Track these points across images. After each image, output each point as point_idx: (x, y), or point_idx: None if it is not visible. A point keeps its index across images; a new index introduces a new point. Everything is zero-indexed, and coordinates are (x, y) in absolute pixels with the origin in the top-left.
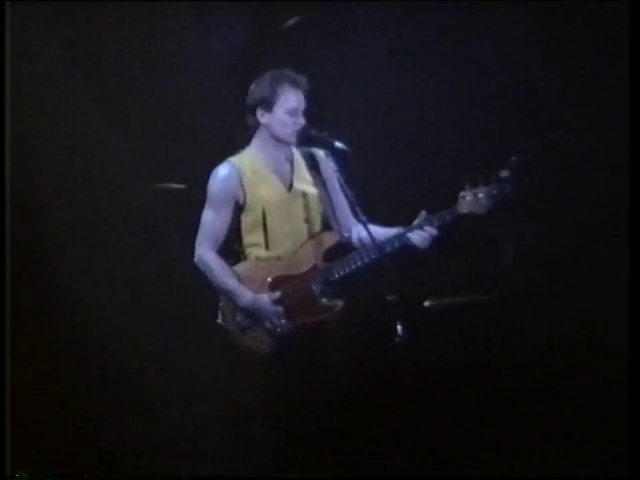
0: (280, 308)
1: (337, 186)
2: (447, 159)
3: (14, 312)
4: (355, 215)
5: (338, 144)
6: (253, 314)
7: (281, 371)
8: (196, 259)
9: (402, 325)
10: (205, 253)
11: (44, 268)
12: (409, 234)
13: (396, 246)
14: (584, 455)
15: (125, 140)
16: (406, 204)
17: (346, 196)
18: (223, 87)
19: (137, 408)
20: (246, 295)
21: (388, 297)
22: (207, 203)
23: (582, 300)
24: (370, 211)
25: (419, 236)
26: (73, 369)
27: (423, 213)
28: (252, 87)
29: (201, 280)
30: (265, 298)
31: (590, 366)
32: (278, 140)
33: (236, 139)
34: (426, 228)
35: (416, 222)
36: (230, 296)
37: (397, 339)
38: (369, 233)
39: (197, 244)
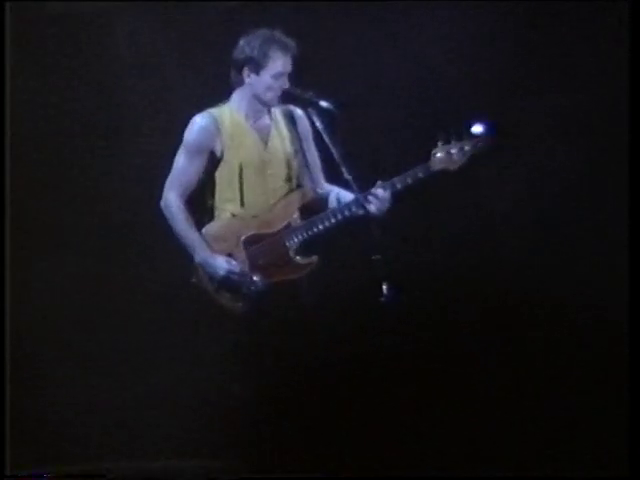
0: (236, 268)
1: (312, 145)
2: (427, 119)
3: (14, 309)
4: (338, 174)
5: (323, 103)
6: (208, 272)
7: (255, 331)
8: (162, 203)
9: (387, 285)
10: (172, 200)
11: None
12: (365, 201)
13: (354, 210)
14: (584, 455)
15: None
16: (388, 163)
17: (321, 154)
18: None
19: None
20: (202, 252)
21: (373, 257)
22: (182, 148)
23: (583, 265)
24: (354, 170)
25: (374, 203)
26: (72, 364)
27: (379, 183)
28: (242, 43)
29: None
30: (220, 258)
31: (591, 364)
32: (259, 101)
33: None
34: (380, 195)
35: (373, 189)
36: (188, 250)
37: (382, 299)
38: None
39: (166, 188)
